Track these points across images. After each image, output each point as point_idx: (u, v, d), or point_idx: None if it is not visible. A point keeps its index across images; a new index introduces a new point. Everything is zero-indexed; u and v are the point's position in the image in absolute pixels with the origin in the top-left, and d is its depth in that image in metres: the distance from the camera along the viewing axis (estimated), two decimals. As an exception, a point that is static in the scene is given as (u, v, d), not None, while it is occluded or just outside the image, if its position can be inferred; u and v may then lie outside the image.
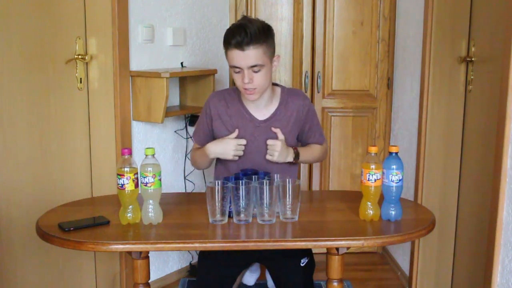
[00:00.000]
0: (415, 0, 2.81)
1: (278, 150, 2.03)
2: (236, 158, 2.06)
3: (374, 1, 3.18)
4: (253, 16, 3.09)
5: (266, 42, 1.95)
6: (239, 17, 3.10)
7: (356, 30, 3.21)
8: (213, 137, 2.16)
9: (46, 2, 2.33)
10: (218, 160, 2.18)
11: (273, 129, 2.08)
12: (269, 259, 2.15)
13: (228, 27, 2.04)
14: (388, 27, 3.20)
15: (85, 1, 2.49)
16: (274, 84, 2.17)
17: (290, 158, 2.07)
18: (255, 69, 1.94)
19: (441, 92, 2.62)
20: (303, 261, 2.10)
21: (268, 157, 2.05)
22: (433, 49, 2.60)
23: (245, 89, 1.98)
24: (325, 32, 3.20)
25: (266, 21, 2.04)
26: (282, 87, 2.18)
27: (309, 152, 2.17)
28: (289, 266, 2.11)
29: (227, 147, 2.04)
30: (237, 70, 1.97)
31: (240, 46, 1.90)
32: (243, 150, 2.07)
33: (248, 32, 1.90)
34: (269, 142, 2.05)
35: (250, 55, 1.92)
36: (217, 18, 3.09)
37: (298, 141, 2.23)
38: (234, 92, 2.14)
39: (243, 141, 2.06)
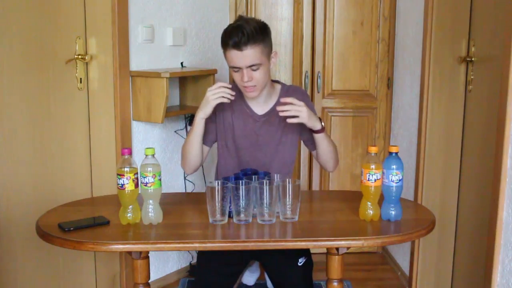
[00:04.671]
0: (415, 0, 2.81)
1: (302, 105, 1.92)
2: (219, 100, 1.96)
3: (374, 1, 3.18)
4: (253, 16, 3.10)
5: (263, 41, 1.99)
6: (238, 17, 3.10)
7: (356, 30, 3.21)
8: (215, 133, 2.16)
9: (46, 2, 2.33)
10: (219, 156, 2.20)
11: (282, 100, 1.98)
12: (267, 259, 2.16)
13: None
14: (388, 27, 3.20)
15: (85, 1, 2.49)
16: (275, 81, 2.20)
17: (318, 124, 1.99)
18: (254, 67, 1.98)
19: (441, 92, 2.62)
20: (301, 261, 2.11)
21: (293, 120, 1.93)
22: (433, 49, 2.60)
23: (245, 87, 2.02)
24: (325, 32, 3.20)
25: (266, 21, 2.07)
26: (283, 84, 2.21)
27: (329, 137, 2.10)
28: (287, 266, 2.12)
29: (207, 97, 1.98)
30: (236, 69, 2.00)
31: (238, 46, 1.94)
32: (229, 93, 1.97)
33: (245, 33, 1.93)
34: (288, 100, 1.92)
35: (248, 54, 1.95)
36: (217, 18, 3.09)
37: (305, 144, 2.22)
38: (236, 88, 2.16)
39: (221, 84, 1.98)
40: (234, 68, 2.00)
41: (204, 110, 2.00)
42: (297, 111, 1.93)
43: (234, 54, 1.96)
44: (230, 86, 2.00)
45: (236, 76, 2.02)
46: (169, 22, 2.82)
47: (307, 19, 3.20)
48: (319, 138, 2.05)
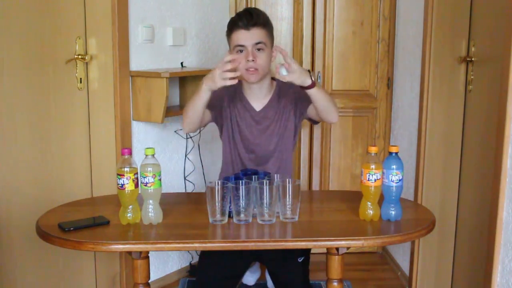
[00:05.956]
0: (415, 0, 2.81)
1: (294, 63, 1.90)
2: (225, 82, 1.93)
3: (374, 1, 3.18)
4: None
5: (268, 28, 2.13)
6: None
7: (356, 30, 3.21)
8: (219, 110, 2.21)
9: (46, 2, 2.33)
10: (224, 150, 2.26)
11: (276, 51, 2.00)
12: (267, 258, 2.17)
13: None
14: (388, 27, 3.20)
15: (85, 1, 2.49)
16: (274, 79, 2.25)
17: (308, 80, 1.94)
18: (259, 46, 2.07)
19: (441, 92, 2.62)
20: (300, 258, 2.13)
21: (287, 76, 1.91)
22: (433, 49, 2.60)
23: (247, 69, 2.08)
24: (325, 32, 3.20)
25: None
26: (279, 80, 2.24)
27: (322, 89, 2.06)
28: (288, 265, 2.13)
29: (214, 75, 1.94)
30: (241, 49, 2.08)
31: (247, 26, 2.06)
32: (234, 73, 1.95)
33: (254, 15, 2.09)
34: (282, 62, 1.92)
35: (255, 33, 2.07)
36: (217, 18, 3.08)
37: (310, 119, 2.25)
38: (237, 85, 2.20)
39: (228, 58, 1.95)
40: (239, 48, 2.07)
41: (210, 86, 1.96)
42: (289, 62, 1.90)
43: (241, 33, 2.07)
44: (229, 59, 1.95)
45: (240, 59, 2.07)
46: (169, 22, 2.82)
47: (307, 19, 3.20)
48: (313, 93, 1.98)
